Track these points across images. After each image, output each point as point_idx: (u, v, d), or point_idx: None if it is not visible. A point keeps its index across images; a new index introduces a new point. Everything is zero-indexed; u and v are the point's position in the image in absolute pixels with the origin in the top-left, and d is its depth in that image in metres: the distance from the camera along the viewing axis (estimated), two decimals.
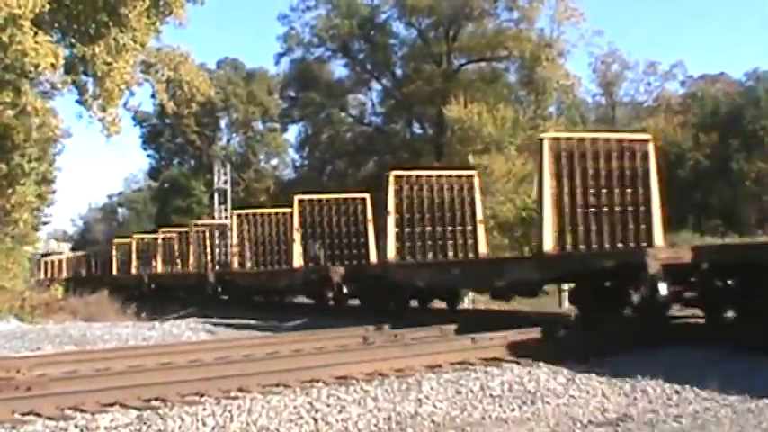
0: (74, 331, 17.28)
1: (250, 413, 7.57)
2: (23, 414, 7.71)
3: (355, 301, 20.68)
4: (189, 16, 21.80)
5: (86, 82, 21.73)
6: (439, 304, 19.61)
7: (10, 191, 23.88)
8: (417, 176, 19.57)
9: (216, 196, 58.04)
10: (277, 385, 8.84)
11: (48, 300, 24.12)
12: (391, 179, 19.03)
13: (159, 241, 36.42)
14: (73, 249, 72.55)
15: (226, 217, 46.71)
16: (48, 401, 8.01)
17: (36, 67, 18.04)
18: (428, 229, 19.12)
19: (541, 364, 9.70)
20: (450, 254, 19.13)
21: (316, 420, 7.47)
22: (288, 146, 76.77)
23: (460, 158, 37.52)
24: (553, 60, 46.47)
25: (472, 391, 8.50)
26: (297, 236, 22.78)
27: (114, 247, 41.81)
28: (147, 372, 9.85)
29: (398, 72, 59.71)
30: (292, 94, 65.53)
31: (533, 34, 49.02)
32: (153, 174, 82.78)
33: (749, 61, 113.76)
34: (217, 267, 30.80)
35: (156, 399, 8.20)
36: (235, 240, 27.16)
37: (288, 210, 24.96)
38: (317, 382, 9.03)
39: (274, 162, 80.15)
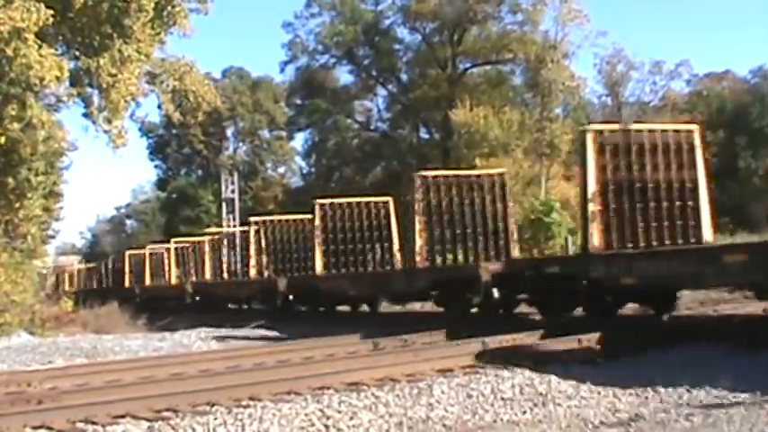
0: (84, 344, 17.28)
1: (262, 421, 7.56)
2: (35, 427, 7.73)
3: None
4: (193, 26, 21.76)
5: (92, 94, 21.70)
6: None
7: (17, 205, 23.84)
8: (445, 176, 19.14)
9: (224, 205, 58.04)
10: (288, 393, 8.83)
11: (58, 313, 24.13)
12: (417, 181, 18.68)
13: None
14: (82, 262, 72.60)
15: (234, 225, 46.69)
16: (59, 414, 8.02)
17: (41, 80, 18.02)
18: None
19: (552, 365, 9.68)
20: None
21: (327, 427, 7.46)
22: (295, 153, 77.22)
23: (468, 162, 37.54)
24: (558, 62, 46.38)
25: (483, 395, 8.49)
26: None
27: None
28: (158, 383, 9.86)
29: (404, 77, 59.88)
30: (298, 101, 65.71)
31: (538, 36, 49.04)
32: (160, 184, 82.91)
33: (754, 58, 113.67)
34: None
35: (168, 409, 8.19)
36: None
37: None
38: (328, 388, 9.02)
39: (281, 170, 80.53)
